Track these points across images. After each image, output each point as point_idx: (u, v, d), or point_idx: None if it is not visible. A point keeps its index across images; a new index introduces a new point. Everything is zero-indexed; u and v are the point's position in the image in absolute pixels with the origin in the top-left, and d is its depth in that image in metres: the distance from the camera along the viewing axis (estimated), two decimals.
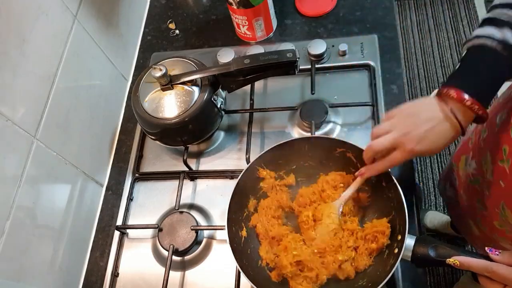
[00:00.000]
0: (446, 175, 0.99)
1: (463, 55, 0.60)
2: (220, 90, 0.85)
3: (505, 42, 0.55)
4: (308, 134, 0.87)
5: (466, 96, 0.55)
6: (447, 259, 0.57)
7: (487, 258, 0.54)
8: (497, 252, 0.53)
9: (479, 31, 0.59)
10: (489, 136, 0.70)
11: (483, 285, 0.55)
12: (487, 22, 0.58)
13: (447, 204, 1.00)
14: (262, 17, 0.98)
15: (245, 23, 0.99)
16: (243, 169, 0.74)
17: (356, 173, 0.69)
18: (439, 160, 1.84)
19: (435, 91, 0.61)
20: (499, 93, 0.67)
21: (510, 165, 0.61)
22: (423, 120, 0.58)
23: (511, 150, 0.61)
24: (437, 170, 1.82)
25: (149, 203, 0.89)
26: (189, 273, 0.80)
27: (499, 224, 0.71)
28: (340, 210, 0.72)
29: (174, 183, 0.88)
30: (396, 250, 0.65)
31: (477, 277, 0.55)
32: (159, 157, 0.93)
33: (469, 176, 0.78)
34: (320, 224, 0.71)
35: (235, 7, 0.95)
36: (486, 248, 0.54)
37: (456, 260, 0.56)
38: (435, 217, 1.64)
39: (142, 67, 1.06)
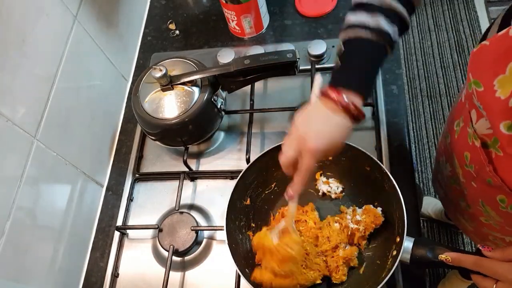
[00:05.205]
0: (434, 175, 1.00)
1: (341, 49, 0.60)
2: (220, 90, 0.85)
3: (379, 30, 0.56)
4: None
5: (344, 98, 0.56)
6: (440, 255, 0.58)
7: (482, 255, 0.54)
8: (489, 249, 0.54)
9: (352, 18, 0.59)
10: (452, 142, 0.72)
11: (476, 281, 0.56)
12: (359, 6, 0.59)
13: (442, 203, 1.01)
14: (250, 14, 0.98)
15: (234, 18, 0.99)
16: (243, 170, 0.74)
17: (286, 196, 0.62)
18: None
19: (315, 90, 0.61)
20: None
21: (474, 170, 0.62)
22: (315, 119, 0.58)
23: (472, 156, 0.62)
24: None
25: (149, 203, 0.89)
26: (189, 273, 0.80)
27: (484, 219, 0.73)
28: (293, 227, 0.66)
29: (174, 183, 0.88)
30: (394, 252, 0.65)
31: (464, 273, 0.56)
32: (159, 158, 0.93)
33: (449, 177, 0.79)
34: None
35: (224, 1, 0.95)
36: (478, 245, 0.54)
37: (448, 256, 0.58)
38: (429, 204, 1.63)
39: (142, 68, 1.06)
